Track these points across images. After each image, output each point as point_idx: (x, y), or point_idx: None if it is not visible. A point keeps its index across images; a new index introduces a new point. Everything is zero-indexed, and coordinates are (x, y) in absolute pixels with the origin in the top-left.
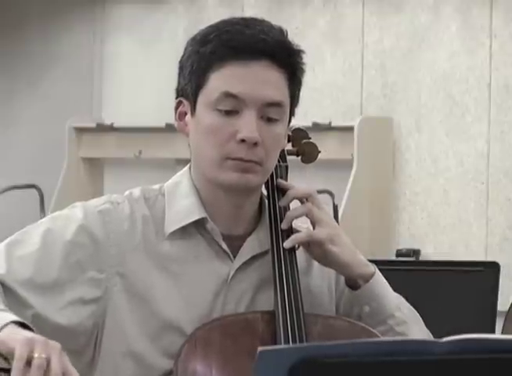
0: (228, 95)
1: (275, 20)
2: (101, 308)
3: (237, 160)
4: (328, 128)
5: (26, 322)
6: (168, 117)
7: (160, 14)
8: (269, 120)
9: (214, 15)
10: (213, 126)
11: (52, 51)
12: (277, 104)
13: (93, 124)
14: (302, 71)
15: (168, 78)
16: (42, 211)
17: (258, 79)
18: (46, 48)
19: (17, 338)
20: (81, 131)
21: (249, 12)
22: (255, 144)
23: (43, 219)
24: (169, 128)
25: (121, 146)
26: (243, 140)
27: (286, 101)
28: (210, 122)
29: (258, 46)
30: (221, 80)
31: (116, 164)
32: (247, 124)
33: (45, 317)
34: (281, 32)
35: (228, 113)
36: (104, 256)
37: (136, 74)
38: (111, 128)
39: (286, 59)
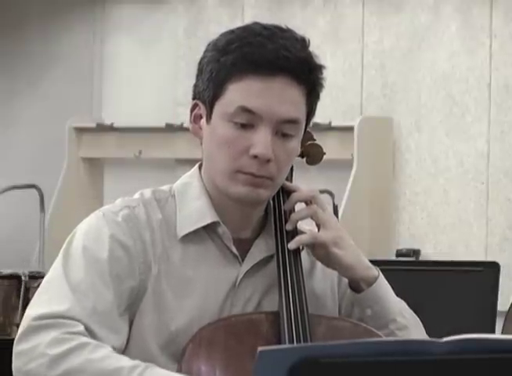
0: (244, 110)
1: (275, 20)
2: (131, 315)
3: (248, 175)
4: (328, 128)
5: None
6: (168, 117)
7: (160, 14)
8: (284, 135)
9: (214, 15)
10: (227, 138)
11: (52, 51)
12: (293, 121)
13: (93, 124)
14: (321, 86)
15: (168, 78)
16: (42, 211)
17: (276, 95)
18: (46, 48)
19: None
20: (81, 131)
21: (249, 12)
22: (268, 161)
23: (74, 235)
24: (169, 128)
25: (121, 146)
26: (255, 156)
27: (303, 117)
28: (225, 134)
29: (279, 63)
30: (238, 93)
31: (116, 164)
32: (262, 141)
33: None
34: (303, 45)
35: (244, 126)
36: (135, 263)
37: (136, 73)
38: (111, 128)
39: (307, 76)
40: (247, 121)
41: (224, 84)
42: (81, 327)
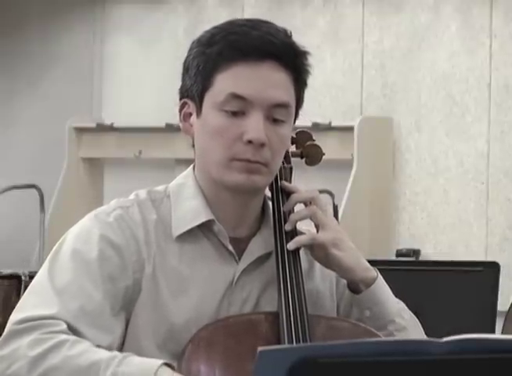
0: (235, 97)
1: (275, 20)
2: (128, 314)
3: (244, 162)
4: (328, 128)
5: (170, 363)
6: (168, 117)
7: (160, 14)
8: (276, 121)
9: (214, 15)
10: (219, 127)
11: (52, 51)
12: (284, 105)
13: (93, 124)
14: (307, 73)
15: (168, 78)
16: (42, 211)
17: (265, 80)
18: (46, 48)
19: None
20: (81, 131)
21: (249, 12)
22: (262, 145)
23: (65, 239)
24: (169, 128)
25: (121, 146)
26: (250, 141)
27: (292, 102)
28: (217, 123)
29: (265, 48)
30: (227, 81)
31: (116, 164)
32: (254, 126)
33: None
34: (286, 34)
35: (235, 113)
36: (128, 262)
37: (136, 73)
38: (111, 128)
39: (293, 61)
40: (238, 108)
41: (212, 76)
42: (64, 326)
